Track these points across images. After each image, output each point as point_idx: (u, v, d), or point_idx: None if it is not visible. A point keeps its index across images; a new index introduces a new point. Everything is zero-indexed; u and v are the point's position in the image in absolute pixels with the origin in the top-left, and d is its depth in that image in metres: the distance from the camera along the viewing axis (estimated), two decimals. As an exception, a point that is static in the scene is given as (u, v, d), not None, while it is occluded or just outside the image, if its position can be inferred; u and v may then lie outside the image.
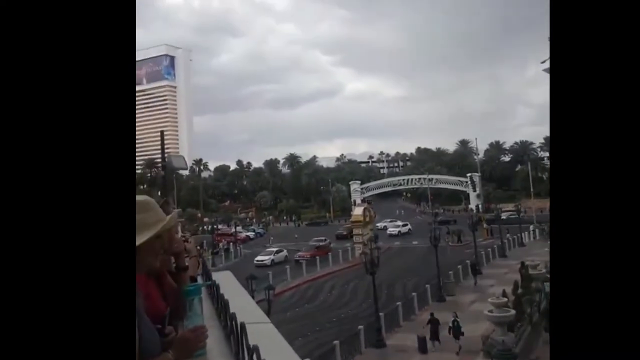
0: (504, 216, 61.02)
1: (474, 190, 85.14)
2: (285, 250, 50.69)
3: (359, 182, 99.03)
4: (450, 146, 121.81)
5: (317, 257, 45.51)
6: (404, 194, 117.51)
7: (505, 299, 21.49)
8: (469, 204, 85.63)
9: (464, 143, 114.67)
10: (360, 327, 22.17)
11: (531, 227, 56.02)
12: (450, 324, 21.08)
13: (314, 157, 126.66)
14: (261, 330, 2.90)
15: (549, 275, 23.67)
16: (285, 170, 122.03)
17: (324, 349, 20.59)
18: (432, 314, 22.13)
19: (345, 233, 63.46)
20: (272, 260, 46.84)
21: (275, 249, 50.98)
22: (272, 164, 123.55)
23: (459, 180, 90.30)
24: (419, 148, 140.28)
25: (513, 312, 20.04)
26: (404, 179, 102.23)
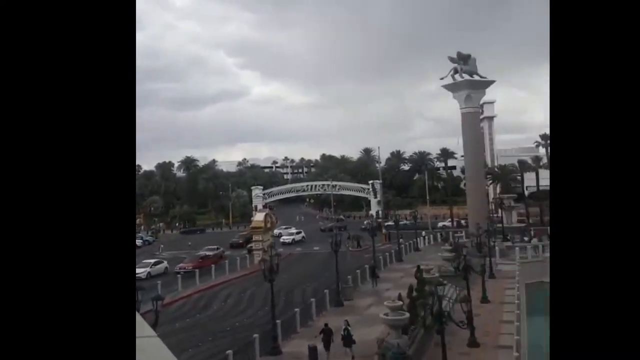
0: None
1: (375, 197, 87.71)
2: (165, 262, 46.74)
3: (262, 187, 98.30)
4: (354, 154, 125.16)
5: (213, 266, 42.59)
6: (307, 199, 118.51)
7: (401, 302, 22.03)
8: (370, 210, 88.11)
9: (367, 151, 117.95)
10: (256, 335, 21.56)
11: (423, 233, 58.79)
12: (342, 332, 21.03)
13: (213, 161, 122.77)
14: (145, 345, 2.70)
15: (441, 279, 24.89)
16: (180, 174, 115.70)
17: (216, 359, 19.92)
18: (326, 325, 21.75)
19: (241, 241, 60.78)
20: (149, 273, 42.32)
21: (152, 261, 46.14)
22: (164, 167, 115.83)
23: (361, 187, 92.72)
24: (323, 155, 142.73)
25: (407, 315, 20.48)
26: (307, 185, 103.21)
